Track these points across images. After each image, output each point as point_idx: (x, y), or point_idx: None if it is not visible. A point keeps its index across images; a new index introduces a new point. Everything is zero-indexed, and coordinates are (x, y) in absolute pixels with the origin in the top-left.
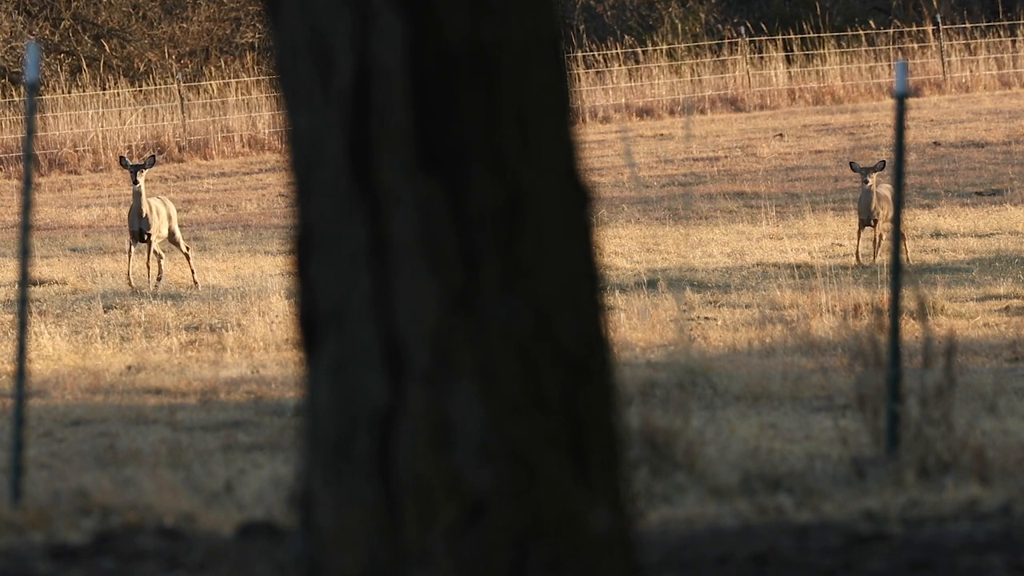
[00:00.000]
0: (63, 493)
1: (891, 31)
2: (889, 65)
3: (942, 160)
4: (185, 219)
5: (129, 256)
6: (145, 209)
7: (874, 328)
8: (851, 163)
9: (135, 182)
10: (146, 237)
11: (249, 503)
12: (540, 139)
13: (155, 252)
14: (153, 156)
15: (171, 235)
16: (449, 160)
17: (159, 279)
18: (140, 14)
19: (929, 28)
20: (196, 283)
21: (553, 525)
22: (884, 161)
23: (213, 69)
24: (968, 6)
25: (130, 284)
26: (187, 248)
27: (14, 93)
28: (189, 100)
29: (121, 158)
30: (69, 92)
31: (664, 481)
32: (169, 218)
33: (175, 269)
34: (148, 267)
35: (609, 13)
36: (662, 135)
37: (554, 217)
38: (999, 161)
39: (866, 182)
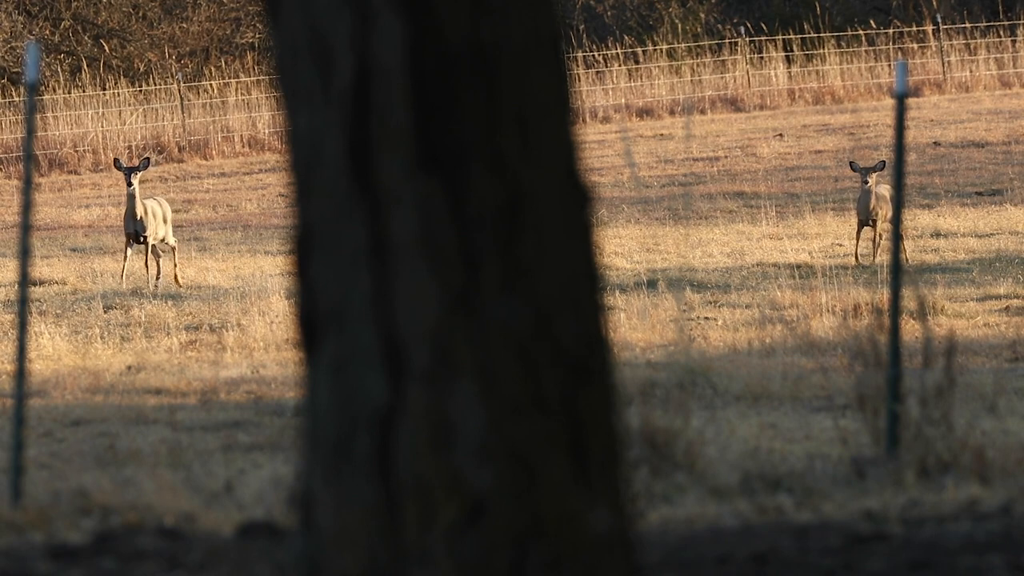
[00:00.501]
0: (63, 493)
1: (891, 31)
2: (889, 65)
3: (942, 160)
4: (185, 219)
5: (125, 257)
6: (140, 211)
7: (874, 328)
8: (851, 163)
9: (129, 184)
10: (142, 239)
11: (249, 503)
12: (540, 139)
13: (153, 252)
14: (148, 158)
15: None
16: (449, 160)
17: (158, 278)
18: (140, 14)
19: (929, 28)
20: (178, 279)
21: (553, 525)
22: (884, 161)
23: (213, 69)
24: (968, 6)
25: (122, 278)
26: (175, 245)
27: (14, 93)
28: (189, 100)
29: (115, 160)
30: (69, 92)
31: (664, 481)
32: (164, 220)
33: (174, 269)
34: (147, 268)
35: (609, 13)
36: (662, 135)
37: (554, 217)
38: (999, 161)
39: (865, 182)
